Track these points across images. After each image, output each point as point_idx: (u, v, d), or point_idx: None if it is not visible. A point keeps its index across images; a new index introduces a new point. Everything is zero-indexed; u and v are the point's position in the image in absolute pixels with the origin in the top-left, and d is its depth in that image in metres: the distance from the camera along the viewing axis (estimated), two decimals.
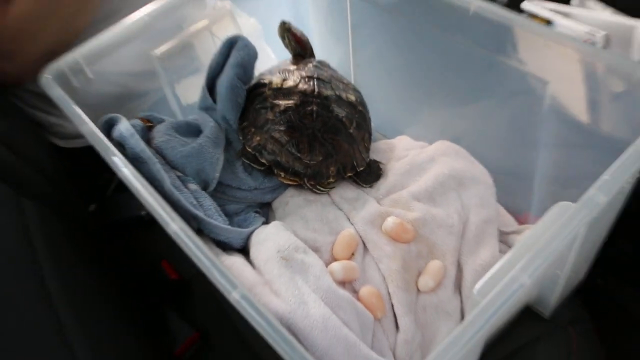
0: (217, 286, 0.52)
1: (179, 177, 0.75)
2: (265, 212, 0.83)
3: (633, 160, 0.54)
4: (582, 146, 0.73)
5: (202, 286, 0.84)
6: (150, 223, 0.78)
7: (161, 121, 0.81)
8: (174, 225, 0.56)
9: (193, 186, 0.75)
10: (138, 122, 0.78)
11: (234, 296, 0.50)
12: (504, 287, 0.48)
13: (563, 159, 0.76)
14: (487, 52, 0.73)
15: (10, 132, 0.77)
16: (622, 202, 0.69)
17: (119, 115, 0.74)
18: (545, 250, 0.50)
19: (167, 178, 0.70)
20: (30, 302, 0.56)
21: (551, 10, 0.82)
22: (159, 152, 0.76)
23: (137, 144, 0.70)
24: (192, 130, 0.81)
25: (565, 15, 0.80)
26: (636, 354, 1.02)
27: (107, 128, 0.73)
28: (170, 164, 0.76)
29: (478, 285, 0.50)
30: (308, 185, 0.79)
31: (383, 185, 0.82)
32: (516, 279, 0.48)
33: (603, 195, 0.52)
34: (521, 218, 0.83)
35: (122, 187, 0.71)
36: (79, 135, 0.91)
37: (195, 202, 0.73)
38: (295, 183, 0.80)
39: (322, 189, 0.80)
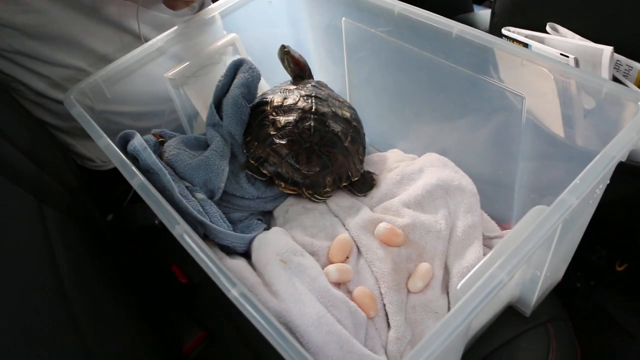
0: (218, 284, 0.51)
1: (187, 187, 0.75)
2: (267, 219, 0.82)
3: (600, 167, 0.54)
4: (557, 157, 0.72)
5: (209, 289, 0.83)
6: (163, 231, 0.78)
7: (172, 137, 0.81)
8: (179, 228, 0.56)
9: (200, 195, 0.74)
10: (151, 137, 0.78)
11: (233, 293, 0.50)
12: (483, 283, 0.47)
13: (540, 169, 0.75)
14: (469, 72, 0.73)
15: (36, 146, 0.77)
16: (594, 207, 0.68)
17: (133, 131, 0.74)
18: (523, 249, 0.49)
19: (176, 188, 0.70)
20: (49, 302, 0.56)
21: (527, 36, 0.82)
22: (169, 165, 0.76)
23: (150, 157, 0.70)
24: (200, 145, 0.81)
25: (540, 40, 0.81)
26: (610, 350, 1.01)
27: (123, 143, 0.73)
28: (179, 175, 0.76)
29: (461, 283, 0.49)
30: (306, 194, 0.79)
31: (376, 194, 0.82)
32: (495, 276, 0.47)
33: (574, 198, 0.51)
34: (504, 226, 0.83)
35: (137, 198, 0.71)
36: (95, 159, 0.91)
37: (201, 210, 0.72)
38: (294, 192, 0.79)
39: (319, 197, 0.80)
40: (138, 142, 0.72)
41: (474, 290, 0.46)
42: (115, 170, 0.66)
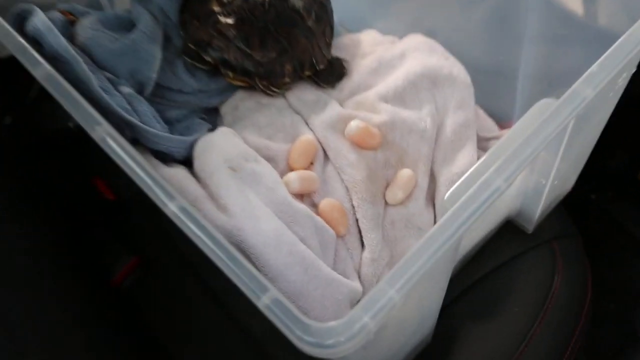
0: (153, 199, 0.51)
1: (109, 79, 0.73)
2: (212, 118, 0.81)
3: (625, 51, 0.54)
4: (572, 39, 0.73)
5: (142, 206, 0.83)
6: (79, 135, 0.76)
7: (86, 14, 0.78)
8: (101, 130, 0.55)
9: (126, 89, 0.73)
10: (57, 14, 0.74)
11: (170, 208, 0.50)
12: (476, 192, 0.48)
13: (551, 54, 0.76)
14: None
15: None
16: (615, 101, 0.69)
17: (32, 5, 0.71)
18: (524, 151, 0.50)
19: (94, 80, 0.68)
20: None
21: None
22: (84, 51, 0.73)
23: (57, 40, 0.68)
24: (123, 25, 0.78)
25: None
26: (628, 270, 1.05)
27: (19, 21, 0.70)
28: (98, 64, 0.73)
29: (449, 192, 0.50)
30: (260, 86, 0.78)
31: (346, 85, 0.81)
32: (490, 183, 0.48)
33: (590, 89, 0.52)
34: (505, 125, 0.84)
35: (44, 95, 0.70)
36: None
37: (128, 107, 0.71)
38: (245, 84, 0.79)
39: (276, 90, 0.79)
40: (40, 21, 0.69)
41: (464, 200, 0.47)
42: (12, 59, 0.63)
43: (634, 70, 0.64)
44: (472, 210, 0.47)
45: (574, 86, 0.52)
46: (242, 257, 0.47)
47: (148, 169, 0.52)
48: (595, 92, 0.51)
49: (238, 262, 0.46)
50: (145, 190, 0.52)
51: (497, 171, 0.49)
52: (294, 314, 0.44)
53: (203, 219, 0.49)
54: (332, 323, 0.43)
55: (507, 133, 0.61)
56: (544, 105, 0.54)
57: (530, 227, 0.80)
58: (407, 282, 0.44)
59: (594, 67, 0.53)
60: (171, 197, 0.51)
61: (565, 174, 0.78)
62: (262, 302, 0.45)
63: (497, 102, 0.83)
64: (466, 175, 0.51)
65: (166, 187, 0.51)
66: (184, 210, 0.50)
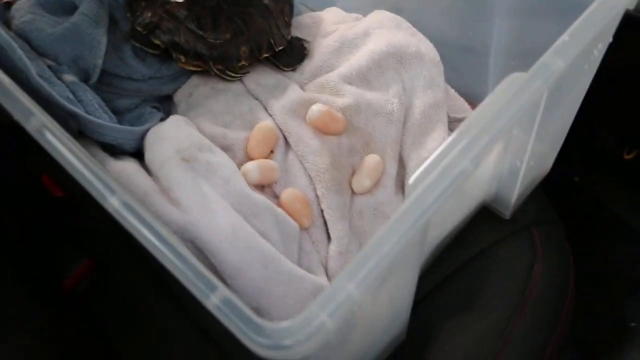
0: (92, 194, 0.50)
1: (50, 66, 0.72)
2: (166, 106, 0.81)
3: (597, 19, 0.53)
4: (545, 11, 0.72)
5: (93, 204, 0.82)
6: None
7: None
8: (35, 121, 0.53)
9: (69, 77, 0.72)
10: None
11: (110, 203, 0.48)
12: (440, 175, 0.47)
13: (523, 28, 0.75)
14: None
15: None
16: (591, 74, 0.69)
17: None
18: (491, 129, 0.49)
19: (32, 68, 0.67)
20: None
21: None
22: (21, 36, 0.72)
23: None
24: (64, 7, 0.77)
25: None
26: (616, 257, 1.05)
27: None
28: (37, 50, 0.72)
29: (413, 176, 0.49)
30: (215, 70, 0.78)
31: (308, 67, 0.81)
32: (455, 164, 0.47)
33: (561, 61, 0.51)
34: (477, 104, 0.83)
35: None
36: None
37: (72, 97, 0.70)
38: (199, 69, 0.78)
39: (232, 74, 0.79)
40: None
41: (427, 184, 0.46)
42: None
43: (609, 40, 0.63)
44: (437, 194, 0.46)
45: (543, 57, 0.51)
46: (189, 254, 0.45)
47: (86, 161, 0.50)
48: (566, 63, 0.51)
49: (183, 259, 0.45)
50: (83, 183, 0.50)
51: (462, 152, 0.48)
52: (246, 314, 0.42)
53: (147, 213, 0.48)
54: (286, 323, 0.41)
55: (474, 111, 0.61)
56: (514, 80, 0.53)
57: (507, 213, 0.80)
58: (368, 275, 0.43)
59: (564, 37, 0.52)
60: (111, 191, 0.49)
61: (541, 155, 0.78)
62: (211, 302, 0.43)
63: (468, 80, 0.83)
64: (431, 157, 0.49)
65: (106, 181, 0.49)
66: (125, 205, 0.48)
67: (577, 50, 0.52)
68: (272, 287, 0.61)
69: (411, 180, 0.48)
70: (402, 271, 0.57)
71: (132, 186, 0.65)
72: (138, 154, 0.73)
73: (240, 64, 0.78)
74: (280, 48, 0.80)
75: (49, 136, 0.53)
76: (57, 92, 0.68)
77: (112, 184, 0.50)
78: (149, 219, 0.47)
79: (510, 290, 0.76)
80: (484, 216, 0.80)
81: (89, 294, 0.79)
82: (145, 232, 0.47)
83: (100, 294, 0.79)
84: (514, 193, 0.76)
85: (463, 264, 0.78)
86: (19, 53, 0.66)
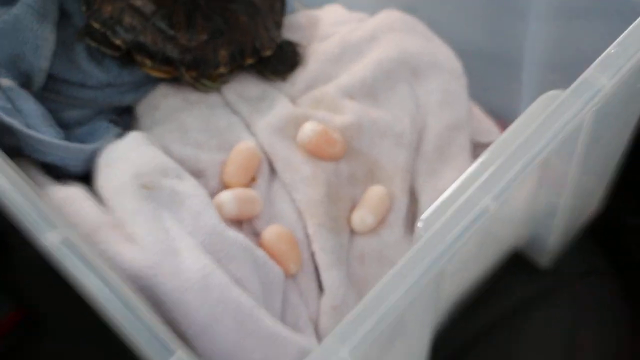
0: (25, 226, 0.50)
1: None
2: (126, 121, 0.81)
3: None
4: (593, 12, 0.73)
5: (30, 241, 0.82)
6: None
7: None
8: None
9: (6, 82, 0.72)
10: None
11: (49, 240, 0.48)
12: (457, 213, 0.47)
13: (564, 34, 0.76)
14: None
15: None
16: None
17: None
18: (522, 156, 0.49)
19: None
20: None
21: None
22: None
23: None
24: None
25: None
26: None
27: None
28: None
29: (423, 215, 0.49)
30: (188, 78, 0.78)
31: (301, 77, 0.81)
32: (477, 201, 0.48)
33: (605, 77, 0.51)
34: (506, 123, 0.83)
35: None
36: None
37: (8, 106, 0.70)
38: (168, 76, 0.78)
39: (209, 83, 0.79)
40: None
41: (442, 224, 0.46)
42: None
43: None
44: (453, 237, 0.47)
45: (585, 73, 0.52)
46: (144, 306, 0.46)
47: (21, 185, 0.51)
48: (613, 81, 0.51)
49: (136, 312, 0.45)
50: (15, 214, 0.50)
51: (486, 184, 0.48)
52: None
53: (94, 254, 0.48)
54: None
55: (502, 135, 0.61)
56: (550, 99, 0.54)
57: (544, 262, 0.80)
58: (365, 338, 0.43)
59: (611, 49, 0.53)
60: (50, 224, 0.49)
61: (586, 191, 0.79)
62: None
63: (496, 96, 0.84)
64: (448, 191, 0.50)
65: (44, 211, 0.50)
66: (67, 242, 0.49)
67: (627, 65, 0.52)
68: (248, 350, 0.60)
69: (421, 219, 0.49)
70: (409, 332, 0.57)
71: (78, 218, 0.65)
72: (87, 179, 0.73)
73: (218, 71, 0.78)
74: (268, 53, 0.81)
75: None
76: None
77: (52, 215, 0.50)
78: (95, 260, 0.48)
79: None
80: (516, 266, 0.80)
81: (14, 354, 0.79)
82: (90, 277, 0.47)
83: (30, 354, 0.79)
84: (552, 237, 0.76)
85: (490, 324, 0.78)
86: None
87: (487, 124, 0.83)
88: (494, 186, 0.48)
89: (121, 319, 0.45)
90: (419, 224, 0.49)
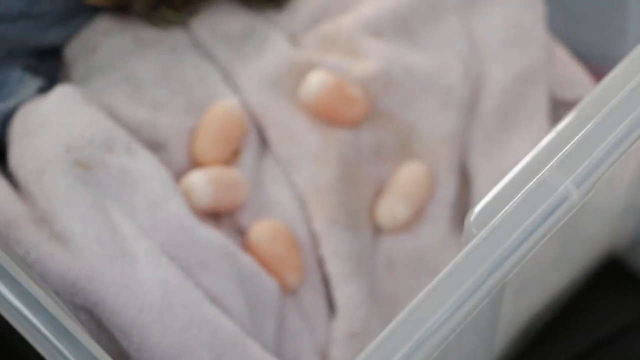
0: None
1: None
2: (50, 69, 0.82)
3: None
4: None
5: None
6: None
7: None
8: None
9: None
10: None
11: None
12: (522, 206, 0.48)
13: None
14: None
15: None
16: None
17: None
18: (623, 122, 0.50)
19: None
20: None
21: None
22: None
23: None
24: None
25: None
26: None
27: None
28: None
29: (479, 206, 0.50)
30: (140, 5, 0.78)
31: (304, 4, 0.82)
32: (552, 189, 0.48)
33: None
34: (603, 71, 0.84)
35: None
36: None
37: None
38: (111, 3, 0.79)
39: (170, 14, 0.79)
40: None
41: (501, 222, 0.47)
42: None
43: None
44: (519, 238, 0.47)
45: None
46: (80, 331, 0.46)
47: None
48: None
49: (69, 338, 0.46)
50: None
51: (565, 164, 0.49)
52: None
53: (9, 259, 0.49)
54: None
55: (595, 89, 0.62)
56: None
57: None
58: None
59: None
60: None
61: None
62: None
63: (589, 33, 0.84)
64: (511, 173, 0.51)
65: None
66: None
67: None
68: None
69: (477, 209, 0.50)
70: None
71: None
72: None
73: None
74: None
75: None
76: None
77: None
78: (11, 268, 0.49)
79: None
80: (616, 277, 0.81)
81: None
82: (3, 291, 0.48)
83: None
84: None
85: (590, 351, 0.79)
86: None
87: (574, 74, 0.83)
88: (579, 165, 0.48)
89: (51, 347, 0.46)
90: (472, 218, 0.49)
